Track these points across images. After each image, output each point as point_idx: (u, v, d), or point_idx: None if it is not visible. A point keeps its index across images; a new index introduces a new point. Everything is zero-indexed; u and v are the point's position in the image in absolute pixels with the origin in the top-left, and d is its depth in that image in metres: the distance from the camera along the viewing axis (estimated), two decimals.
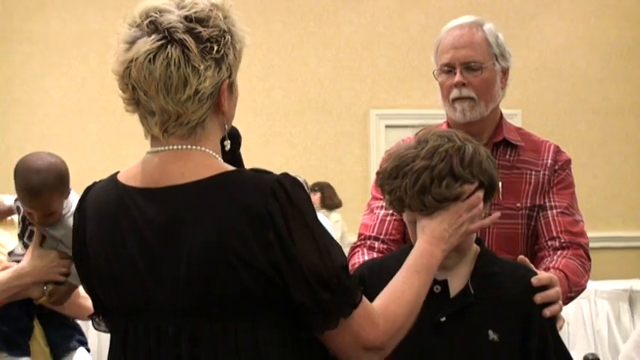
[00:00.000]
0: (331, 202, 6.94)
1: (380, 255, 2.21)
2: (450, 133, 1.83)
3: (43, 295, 2.35)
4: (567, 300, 2.04)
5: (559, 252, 2.21)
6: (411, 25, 7.05)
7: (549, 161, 2.31)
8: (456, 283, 1.84)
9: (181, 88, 1.48)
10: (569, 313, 5.88)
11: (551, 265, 2.14)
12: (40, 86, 6.59)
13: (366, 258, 2.20)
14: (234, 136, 1.75)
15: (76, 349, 2.57)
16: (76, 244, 1.65)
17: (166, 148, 1.54)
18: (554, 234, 2.24)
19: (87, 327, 3.16)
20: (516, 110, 6.94)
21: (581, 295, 2.22)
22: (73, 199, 2.29)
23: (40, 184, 2.23)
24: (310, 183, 6.55)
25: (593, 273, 2.30)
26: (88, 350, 2.65)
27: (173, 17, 1.50)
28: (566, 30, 7.30)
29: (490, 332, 1.80)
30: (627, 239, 7.36)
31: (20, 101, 6.55)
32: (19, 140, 6.45)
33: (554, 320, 1.86)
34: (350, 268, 1.64)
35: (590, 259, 2.25)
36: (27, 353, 2.44)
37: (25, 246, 2.41)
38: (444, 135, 1.81)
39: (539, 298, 1.84)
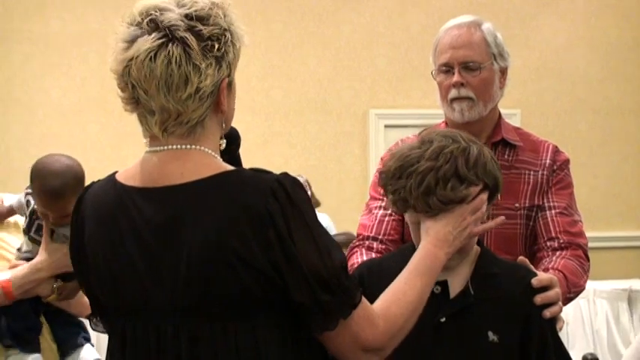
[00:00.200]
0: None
1: (378, 255, 2.20)
2: (454, 133, 1.82)
3: (52, 292, 2.37)
4: (566, 301, 2.04)
5: (558, 252, 2.20)
6: (410, 25, 7.03)
7: (548, 161, 2.31)
8: (456, 284, 1.84)
9: (182, 86, 1.48)
10: (568, 312, 5.86)
11: (550, 266, 2.13)
12: (40, 86, 6.58)
13: (365, 258, 2.20)
14: (234, 137, 1.75)
15: (82, 345, 2.59)
16: (74, 244, 1.65)
17: (166, 147, 1.53)
18: (553, 234, 2.23)
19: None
20: (516, 110, 6.91)
21: (581, 295, 2.22)
22: None
23: (60, 187, 2.26)
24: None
25: (592, 273, 2.29)
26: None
27: (174, 15, 1.49)
28: (566, 30, 7.28)
29: (490, 333, 1.80)
30: (627, 239, 7.34)
31: (20, 101, 6.53)
32: (19, 140, 6.43)
33: (554, 321, 1.86)
34: (348, 268, 1.64)
35: (588, 260, 2.24)
36: (37, 350, 2.46)
37: (32, 240, 2.43)
38: (449, 135, 1.80)
39: (539, 299, 1.84)
